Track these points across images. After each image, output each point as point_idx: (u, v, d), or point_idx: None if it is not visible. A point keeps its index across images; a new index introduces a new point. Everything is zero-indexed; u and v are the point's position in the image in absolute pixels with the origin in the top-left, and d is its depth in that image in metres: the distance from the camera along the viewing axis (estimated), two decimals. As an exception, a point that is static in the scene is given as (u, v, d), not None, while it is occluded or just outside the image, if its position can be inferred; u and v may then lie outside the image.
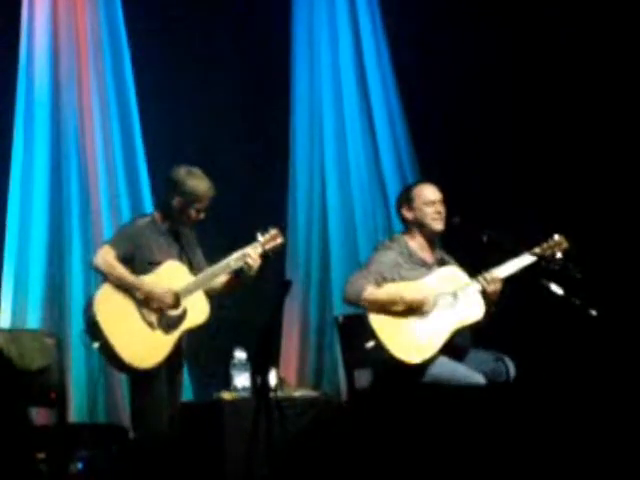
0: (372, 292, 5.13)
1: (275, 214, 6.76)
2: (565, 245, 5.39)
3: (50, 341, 5.48)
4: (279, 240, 5.39)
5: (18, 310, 6.30)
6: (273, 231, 5.38)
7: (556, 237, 5.40)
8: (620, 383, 5.63)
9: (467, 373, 5.10)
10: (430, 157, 6.92)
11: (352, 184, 7.05)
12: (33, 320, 6.29)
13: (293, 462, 5.31)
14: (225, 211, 6.46)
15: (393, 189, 6.95)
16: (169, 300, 5.10)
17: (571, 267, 5.19)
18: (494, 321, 5.26)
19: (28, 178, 6.49)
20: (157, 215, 5.34)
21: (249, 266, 5.24)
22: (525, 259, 5.32)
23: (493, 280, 5.22)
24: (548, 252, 5.36)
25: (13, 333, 5.68)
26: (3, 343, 5.32)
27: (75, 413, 6.14)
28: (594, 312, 5.11)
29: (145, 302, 5.07)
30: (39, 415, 5.78)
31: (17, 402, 5.14)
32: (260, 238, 5.34)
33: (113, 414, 6.25)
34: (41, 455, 5.17)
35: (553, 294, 5.17)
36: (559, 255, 5.36)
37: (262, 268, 5.29)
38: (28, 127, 6.52)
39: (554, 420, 4.99)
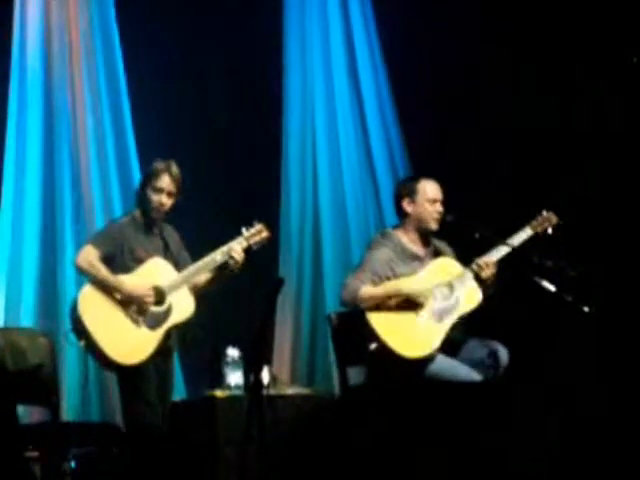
0: (367, 291, 5.13)
1: (268, 212, 6.76)
2: (554, 220, 5.42)
3: (43, 340, 5.47)
4: (264, 234, 5.44)
5: (11, 309, 6.30)
6: (258, 226, 5.44)
7: (545, 213, 5.43)
8: (614, 377, 5.66)
9: (467, 372, 5.10)
10: (422, 152, 6.92)
11: (344, 181, 7.04)
12: (26, 318, 6.28)
13: (286, 459, 5.33)
14: (217, 209, 6.49)
15: (385, 185, 6.96)
16: (150, 299, 5.12)
17: (564, 265, 5.20)
18: (491, 310, 5.27)
19: (20, 178, 6.48)
20: (137, 213, 5.38)
21: (234, 260, 5.29)
22: (517, 238, 5.33)
23: (487, 264, 5.22)
24: (539, 228, 5.39)
25: (6, 331, 5.68)
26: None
27: (68, 412, 6.13)
28: (586, 309, 5.13)
29: (126, 302, 5.10)
30: (32, 414, 5.78)
31: (7, 401, 5.14)
32: (245, 232, 5.38)
33: (107, 413, 6.25)
34: (34, 454, 5.17)
35: (546, 291, 5.18)
36: (550, 231, 5.39)
37: (244, 262, 5.34)
38: (20, 131, 6.51)
39: (547, 415, 5.01)
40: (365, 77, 7.16)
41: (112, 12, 6.73)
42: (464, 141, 6.78)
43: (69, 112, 6.60)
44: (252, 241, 5.39)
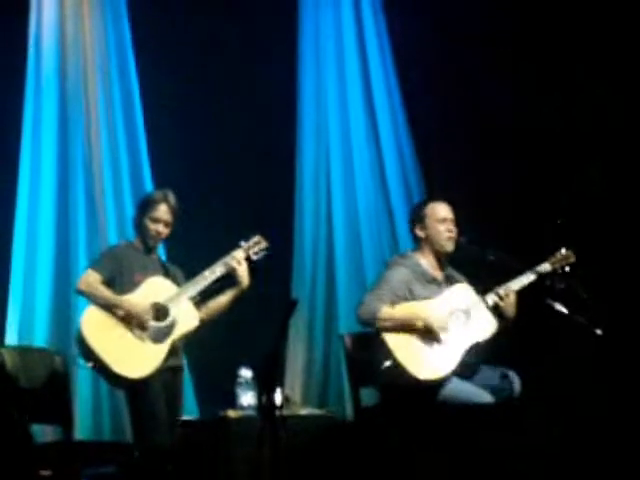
0: (387, 312, 5.14)
1: (281, 233, 6.77)
2: (572, 258, 5.42)
3: (57, 359, 5.50)
4: (262, 245, 5.51)
5: (25, 327, 6.31)
6: (255, 237, 5.52)
7: (563, 251, 5.44)
8: (625, 399, 5.65)
9: (480, 395, 5.10)
10: (436, 175, 6.93)
11: (358, 202, 7.05)
12: (40, 337, 6.30)
13: (299, 480, 5.33)
14: (229, 230, 6.50)
15: (399, 207, 6.97)
16: (148, 316, 5.17)
17: (576, 286, 5.21)
18: (510, 337, 5.27)
19: (35, 195, 6.50)
20: (136, 240, 5.48)
21: (235, 270, 5.36)
22: (535, 273, 5.34)
23: (506, 295, 5.24)
24: (556, 266, 5.39)
25: (20, 350, 5.70)
26: (10, 360, 5.35)
27: (81, 430, 6.14)
28: (599, 331, 5.13)
29: (127, 319, 5.14)
30: (46, 433, 5.79)
31: (21, 418, 5.16)
32: (243, 244, 5.45)
33: (119, 432, 6.26)
34: (47, 472, 5.18)
35: (558, 313, 5.19)
36: (567, 269, 5.39)
37: (252, 275, 5.40)
38: (35, 148, 6.53)
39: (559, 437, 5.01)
40: (380, 100, 7.15)
41: (126, 21, 6.77)
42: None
43: (83, 123, 6.61)
44: (251, 251, 5.47)
